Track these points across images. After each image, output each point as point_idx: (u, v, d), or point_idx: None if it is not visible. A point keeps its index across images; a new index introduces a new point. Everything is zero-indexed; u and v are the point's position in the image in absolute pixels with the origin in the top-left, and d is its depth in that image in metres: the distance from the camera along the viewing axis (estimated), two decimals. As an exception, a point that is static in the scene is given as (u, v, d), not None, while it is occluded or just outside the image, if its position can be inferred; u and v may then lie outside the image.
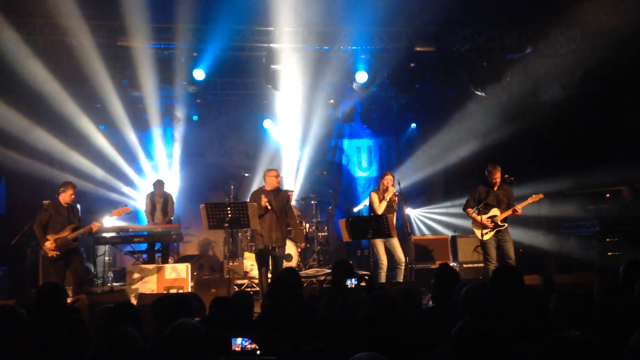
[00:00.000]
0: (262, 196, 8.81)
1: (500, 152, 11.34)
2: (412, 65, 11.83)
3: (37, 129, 11.46)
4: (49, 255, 8.29)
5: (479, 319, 3.06)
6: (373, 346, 3.47)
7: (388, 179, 9.33)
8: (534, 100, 11.99)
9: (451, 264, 10.69)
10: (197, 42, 11.09)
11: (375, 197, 9.40)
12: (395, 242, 9.10)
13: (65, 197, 8.61)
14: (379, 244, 9.14)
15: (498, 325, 3.08)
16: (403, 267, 9.16)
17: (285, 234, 9.19)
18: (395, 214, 9.35)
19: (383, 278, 9.03)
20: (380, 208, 9.21)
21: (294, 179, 14.28)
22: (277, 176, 9.11)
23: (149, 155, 14.08)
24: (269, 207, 8.78)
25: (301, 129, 14.37)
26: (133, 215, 12.07)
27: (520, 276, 4.48)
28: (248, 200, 9.19)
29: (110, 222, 10.06)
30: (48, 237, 8.34)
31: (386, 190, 9.26)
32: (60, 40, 10.64)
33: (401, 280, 8.95)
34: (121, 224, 10.39)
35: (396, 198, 9.36)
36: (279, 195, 9.10)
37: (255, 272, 10.55)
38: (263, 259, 8.91)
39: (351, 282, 5.76)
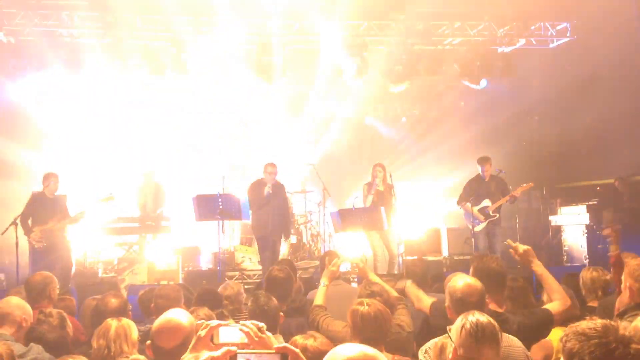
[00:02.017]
0: (262, 183, 8.95)
1: (492, 145, 11.36)
2: (404, 57, 11.81)
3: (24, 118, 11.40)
4: (35, 246, 8.28)
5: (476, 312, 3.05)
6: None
7: (377, 170, 9.33)
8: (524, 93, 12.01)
9: (441, 256, 10.74)
10: (188, 33, 11.03)
11: (365, 188, 9.41)
12: (389, 235, 9.14)
13: (50, 187, 8.58)
14: (373, 236, 9.16)
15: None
16: (395, 261, 9.20)
17: (284, 227, 9.33)
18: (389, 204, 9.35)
19: (379, 270, 9.04)
20: (367, 201, 9.24)
21: (284, 171, 14.21)
22: (272, 172, 9.12)
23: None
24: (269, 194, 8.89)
25: (292, 120, 14.33)
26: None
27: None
28: (248, 192, 9.26)
29: (101, 213, 10.01)
30: (34, 228, 8.32)
31: (374, 181, 9.26)
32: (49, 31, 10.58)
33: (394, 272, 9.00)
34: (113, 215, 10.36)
35: (390, 189, 9.35)
36: (279, 188, 9.20)
37: (246, 264, 10.55)
38: (265, 245, 9.01)
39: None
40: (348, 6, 10.43)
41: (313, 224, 12.02)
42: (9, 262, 9.34)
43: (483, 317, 2.93)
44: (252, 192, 9.24)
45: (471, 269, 4.03)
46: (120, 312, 4.19)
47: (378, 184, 9.26)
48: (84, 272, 9.95)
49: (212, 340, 2.17)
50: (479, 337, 2.85)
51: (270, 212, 9.00)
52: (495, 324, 2.93)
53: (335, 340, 3.61)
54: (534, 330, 3.79)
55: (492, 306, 3.77)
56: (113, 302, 4.43)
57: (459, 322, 2.93)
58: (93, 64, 11.63)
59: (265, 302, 4.19)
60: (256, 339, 2.12)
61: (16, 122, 11.63)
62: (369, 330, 3.58)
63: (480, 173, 9.26)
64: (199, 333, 2.21)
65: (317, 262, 10.81)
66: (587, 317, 2.19)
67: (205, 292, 5.15)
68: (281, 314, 4.26)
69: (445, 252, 11.14)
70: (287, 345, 2.06)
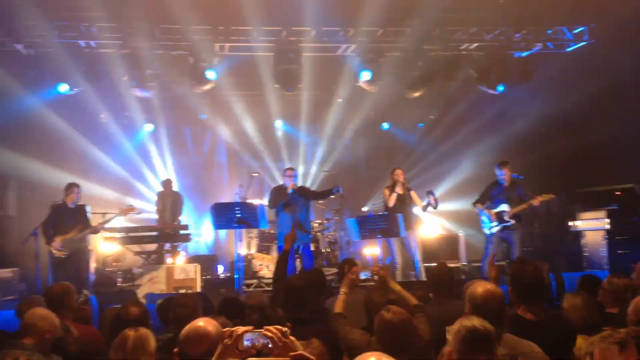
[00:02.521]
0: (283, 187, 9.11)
1: (510, 150, 11.31)
2: (420, 64, 11.80)
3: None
4: (56, 255, 8.43)
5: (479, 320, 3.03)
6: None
7: (397, 173, 9.42)
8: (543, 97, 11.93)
9: (459, 263, 10.70)
10: (206, 42, 11.10)
11: (386, 191, 9.48)
12: (410, 240, 9.21)
13: (72, 197, 8.76)
14: (395, 242, 9.19)
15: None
16: (414, 266, 9.26)
17: (309, 232, 9.45)
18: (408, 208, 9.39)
19: (398, 277, 9.07)
20: (390, 200, 9.28)
21: (302, 178, 14.25)
22: (291, 175, 9.22)
23: (161, 155, 14.10)
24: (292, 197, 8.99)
25: (309, 128, 14.40)
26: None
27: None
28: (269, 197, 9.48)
29: (120, 222, 10.12)
30: (55, 238, 8.47)
31: (395, 184, 9.27)
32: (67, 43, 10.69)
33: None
34: (132, 224, 10.45)
35: (409, 192, 9.39)
36: (301, 191, 9.29)
37: (263, 272, 10.55)
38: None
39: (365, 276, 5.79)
40: (364, 13, 10.44)
41: (330, 231, 12.02)
42: (30, 272, 9.46)
43: (481, 324, 2.92)
44: (271, 194, 9.42)
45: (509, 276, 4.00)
46: (140, 322, 4.21)
47: (398, 186, 9.28)
48: (103, 282, 10.05)
49: (237, 347, 2.19)
50: (472, 344, 2.85)
51: (289, 218, 9.04)
52: (492, 330, 2.91)
53: (353, 349, 3.60)
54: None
55: (529, 316, 3.73)
56: (134, 311, 4.46)
57: (456, 326, 2.93)
58: (112, 75, 11.79)
59: (270, 313, 4.20)
60: (280, 343, 2.13)
61: (35, 134, 11.78)
62: (393, 338, 3.56)
63: (499, 178, 9.24)
64: (225, 340, 2.23)
65: (335, 270, 10.83)
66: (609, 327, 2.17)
67: (227, 301, 5.16)
68: (288, 324, 4.24)
69: (462, 259, 11.11)
70: (303, 352, 2.07)
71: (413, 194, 9.53)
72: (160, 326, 4.80)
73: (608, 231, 10.19)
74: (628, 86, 10.48)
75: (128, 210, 9.35)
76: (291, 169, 9.48)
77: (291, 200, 9.12)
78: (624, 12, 9.63)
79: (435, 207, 9.29)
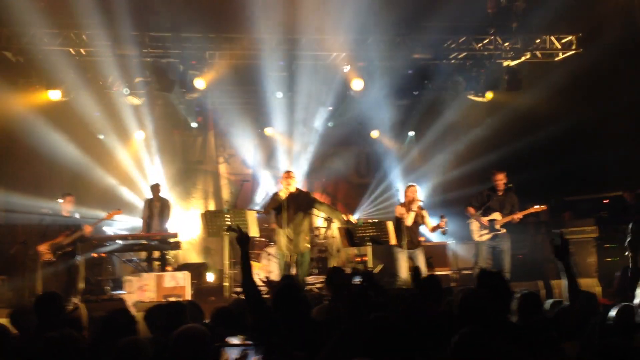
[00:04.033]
0: (280, 192, 8.69)
1: (500, 159, 11.36)
2: (410, 72, 11.86)
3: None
4: (44, 259, 8.50)
5: (478, 327, 3.06)
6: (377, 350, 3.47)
7: (412, 191, 9.35)
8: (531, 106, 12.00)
9: (449, 271, 10.74)
10: (196, 51, 11.12)
11: (401, 210, 9.33)
12: (418, 254, 9.11)
13: (66, 206, 8.89)
14: (401, 257, 9.06)
15: (497, 334, 3.08)
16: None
17: (303, 243, 8.89)
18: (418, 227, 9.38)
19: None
20: (409, 219, 9.14)
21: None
22: (287, 177, 8.81)
23: (151, 162, 14.07)
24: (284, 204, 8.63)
25: (300, 136, 14.41)
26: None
27: (504, 280, 4.47)
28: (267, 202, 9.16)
29: (111, 230, 10.14)
30: (44, 243, 8.57)
31: (412, 202, 9.25)
32: (57, 50, 10.68)
33: None
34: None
35: (421, 211, 9.34)
36: (299, 197, 8.86)
37: (255, 280, 10.51)
38: (285, 269, 8.82)
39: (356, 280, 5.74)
40: (354, 21, 10.49)
41: (321, 239, 12.02)
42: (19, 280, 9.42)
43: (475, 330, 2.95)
44: (267, 201, 9.21)
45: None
46: (129, 329, 4.20)
47: (414, 203, 9.20)
48: (92, 289, 10.01)
49: None
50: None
51: (285, 224, 8.73)
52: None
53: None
54: None
55: None
56: (122, 319, 4.44)
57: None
58: (101, 81, 11.80)
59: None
60: None
61: (24, 141, 11.73)
62: None
63: (493, 185, 9.29)
64: None
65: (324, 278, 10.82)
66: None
67: (220, 310, 5.14)
68: None
69: (452, 267, 11.16)
70: None
71: (425, 213, 9.40)
72: (148, 334, 4.77)
73: (596, 239, 10.26)
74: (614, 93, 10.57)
75: (114, 213, 9.42)
76: (287, 172, 9.02)
77: (288, 209, 8.75)
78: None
79: (444, 233, 9.21)
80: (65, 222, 8.93)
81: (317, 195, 12.34)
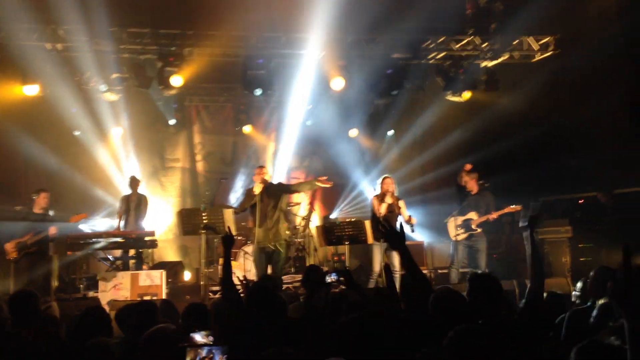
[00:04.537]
0: (254, 188, 8.64)
1: (476, 159, 11.43)
2: (389, 72, 11.90)
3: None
4: (10, 257, 8.48)
5: (474, 325, 3.07)
6: (351, 350, 3.46)
7: (387, 182, 9.30)
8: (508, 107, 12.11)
9: (425, 270, 10.78)
10: (174, 47, 11.04)
11: (375, 201, 9.33)
12: (393, 251, 9.07)
13: (40, 203, 8.79)
14: (376, 250, 9.04)
15: (492, 332, 3.09)
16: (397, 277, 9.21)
17: (284, 231, 8.87)
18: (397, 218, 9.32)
19: (371, 285, 8.95)
20: (381, 209, 9.10)
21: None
22: (260, 173, 8.74)
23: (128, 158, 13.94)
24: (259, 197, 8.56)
25: (279, 134, 14.42)
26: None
27: (498, 282, 4.50)
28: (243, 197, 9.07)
29: (86, 228, 10.05)
30: (12, 241, 8.53)
31: (386, 193, 9.26)
32: (33, 45, 10.53)
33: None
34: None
35: (397, 202, 9.33)
36: (270, 189, 8.77)
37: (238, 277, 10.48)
38: (259, 261, 8.76)
39: (331, 277, 5.75)
40: (333, 20, 10.49)
41: (298, 238, 12.03)
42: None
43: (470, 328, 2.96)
44: (242, 198, 9.13)
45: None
46: (102, 328, 4.17)
47: (387, 195, 9.18)
48: (66, 288, 9.92)
49: None
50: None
51: (260, 217, 8.60)
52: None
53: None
54: None
55: None
56: (96, 318, 4.40)
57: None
58: (77, 77, 11.67)
59: None
60: None
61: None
62: None
63: (466, 185, 9.34)
64: None
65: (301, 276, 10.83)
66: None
67: (193, 308, 5.11)
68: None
69: (427, 266, 11.23)
70: None
71: (402, 203, 9.31)
72: (121, 333, 4.73)
73: (570, 239, 10.37)
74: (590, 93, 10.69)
75: (79, 217, 9.36)
76: (259, 167, 8.95)
77: (261, 203, 8.65)
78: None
79: (412, 230, 9.10)
80: (34, 223, 8.84)
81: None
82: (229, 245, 4.60)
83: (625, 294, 2.42)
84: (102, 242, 9.78)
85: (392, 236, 4.17)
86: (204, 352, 2.19)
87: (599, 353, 2.73)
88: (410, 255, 4.16)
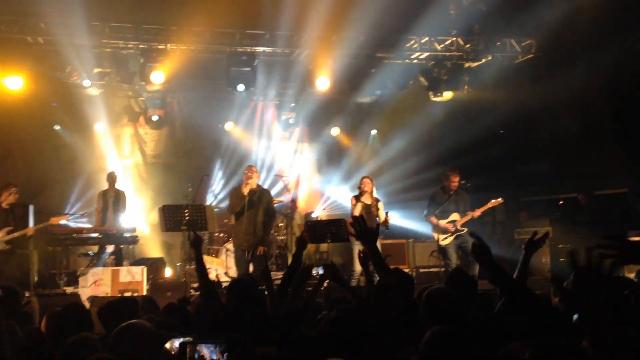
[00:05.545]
0: (242, 188, 8.62)
1: (455, 159, 11.50)
2: (373, 71, 11.93)
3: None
4: None
5: (447, 326, 3.08)
6: (336, 349, 3.46)
7: (365, 182, 9.32)
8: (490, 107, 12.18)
9: (407, 269, 10.80)
10: (157, 43, 10.97)
11: (353, 200, 9.36)
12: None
13: (5, 198, 8.71)
14: (356, 249, 8.93)
15: (466, 333, 3.10)
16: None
17: (258, 238, 8.78)
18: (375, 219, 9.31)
19: (353, 284, 8.94)
20: (355, 210, 9.12)
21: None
22: (249, 172, 8.71)
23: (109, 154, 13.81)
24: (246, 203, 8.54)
25: (261, 131, 14.40)
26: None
27: (474, 281, 4.55)
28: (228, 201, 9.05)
29: (65, 222, 9.95)
30: None
31: (363, 194, 9.27)
32: (14, 38, 10.40)
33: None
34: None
35: (376, 203, 9.34)
36: (257, 194, 8.75)
37: (212, 275, 10.44)
38: (239, 265, 8.78)
39: (317, 272, 5.72)
40: (318, 18, 10.49)
41: (280, 236, 12.02)
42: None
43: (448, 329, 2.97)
44: (230, 197, 9.09)
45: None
46: (83, 324, 4.14)
47: (364, 196, 9.21)
48: (46, 284, 9.81)
49: None
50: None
51: (244, 220, 8.63)
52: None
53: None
54: None
55: None
56: (76, 314, 4.37)
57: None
58: (59, 71, 11.55)
59: None
60: None
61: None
62: None
63: (447, 186, 9.34)
64: None
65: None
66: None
67: (172, 305, 5.10)
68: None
69: (410, 265, 11.27)
70: None
71: (380, 205, 9.34)
72: (101, 329, 4.70)
73: (550, 239, 10.45)
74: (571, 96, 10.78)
75: (60, 218, 9.30)
76: (249, 167, 8.92)
77: (249, 205, 8.65)
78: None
79: (387, 228, 9.15)
80: (7, 218, 8.79)
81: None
82: (199, 246, 4.63)
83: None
84: (83, 238, 9.72)
85: (364, 235, 4.17)
86: (203, 350, 2.18)
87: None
88: (380, 255, 4.18)
